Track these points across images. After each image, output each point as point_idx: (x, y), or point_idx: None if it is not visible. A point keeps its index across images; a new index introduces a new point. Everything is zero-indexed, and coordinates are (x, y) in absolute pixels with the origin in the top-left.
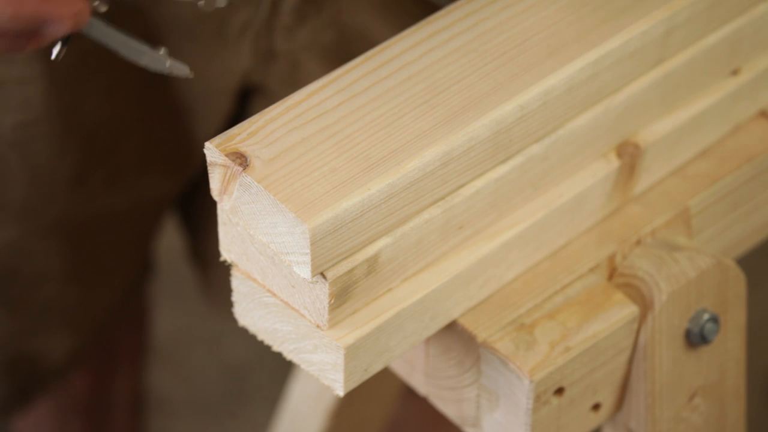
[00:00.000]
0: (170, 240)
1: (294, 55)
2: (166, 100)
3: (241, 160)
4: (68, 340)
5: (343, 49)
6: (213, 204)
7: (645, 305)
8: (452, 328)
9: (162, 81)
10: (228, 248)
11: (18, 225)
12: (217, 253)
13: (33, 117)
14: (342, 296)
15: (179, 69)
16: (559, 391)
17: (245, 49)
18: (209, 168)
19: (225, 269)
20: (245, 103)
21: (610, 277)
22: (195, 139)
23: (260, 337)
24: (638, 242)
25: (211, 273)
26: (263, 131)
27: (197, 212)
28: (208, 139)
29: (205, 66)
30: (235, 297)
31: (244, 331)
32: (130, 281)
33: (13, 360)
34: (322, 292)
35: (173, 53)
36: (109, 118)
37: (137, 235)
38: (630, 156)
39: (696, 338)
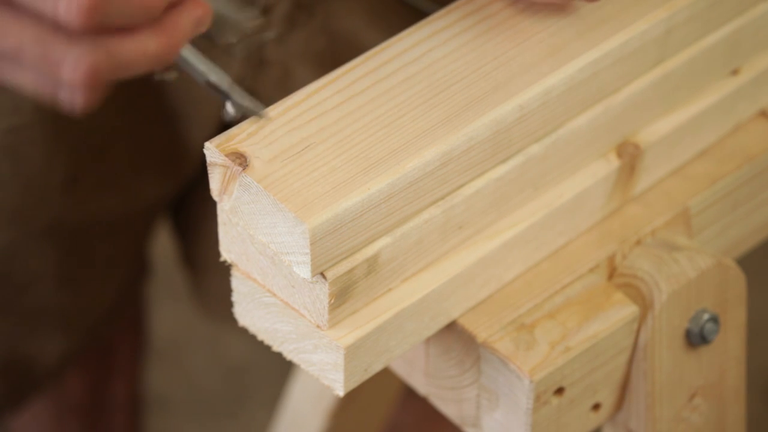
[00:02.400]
0: (170, 240)
1: (285, 62)
2: (158, 105)
3: (240, 160)
4: (62, 342)
5: (335, 56)
6: (204, 210)
7: (645, 305)
8: (452, 328)
9: (153, 86)
10: (228, 248)
11: (10, 229)
12: (209, 259)
13: (23, 122)
14: (342, 296)
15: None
16: (559, 391)
17: (236, 56)
18: (209, 168)
19: (217, 274)
20: None
21: (610, 277)
22: (187, 144)
23: (260, 337)
24: (638, 242)
25: (203, 278)
26: (263, 131)
27: (189, 218)
28: (199, 144)
29: None
30: (235, 297)
31: (243, 331)
32: (125, 284)
33: (6, 362)
34: (322, 292)
35: None
36: (99, 123)
37: (131, 238)
38: (630, 156)
39: (696, 338)
